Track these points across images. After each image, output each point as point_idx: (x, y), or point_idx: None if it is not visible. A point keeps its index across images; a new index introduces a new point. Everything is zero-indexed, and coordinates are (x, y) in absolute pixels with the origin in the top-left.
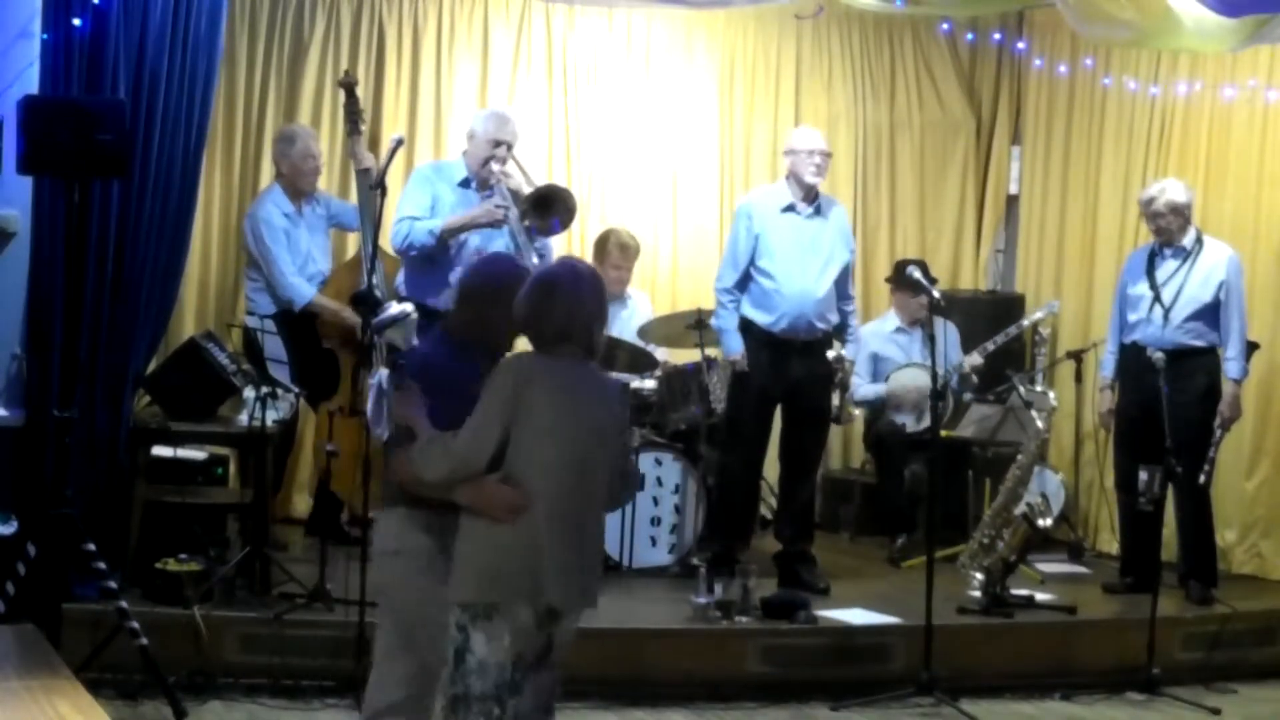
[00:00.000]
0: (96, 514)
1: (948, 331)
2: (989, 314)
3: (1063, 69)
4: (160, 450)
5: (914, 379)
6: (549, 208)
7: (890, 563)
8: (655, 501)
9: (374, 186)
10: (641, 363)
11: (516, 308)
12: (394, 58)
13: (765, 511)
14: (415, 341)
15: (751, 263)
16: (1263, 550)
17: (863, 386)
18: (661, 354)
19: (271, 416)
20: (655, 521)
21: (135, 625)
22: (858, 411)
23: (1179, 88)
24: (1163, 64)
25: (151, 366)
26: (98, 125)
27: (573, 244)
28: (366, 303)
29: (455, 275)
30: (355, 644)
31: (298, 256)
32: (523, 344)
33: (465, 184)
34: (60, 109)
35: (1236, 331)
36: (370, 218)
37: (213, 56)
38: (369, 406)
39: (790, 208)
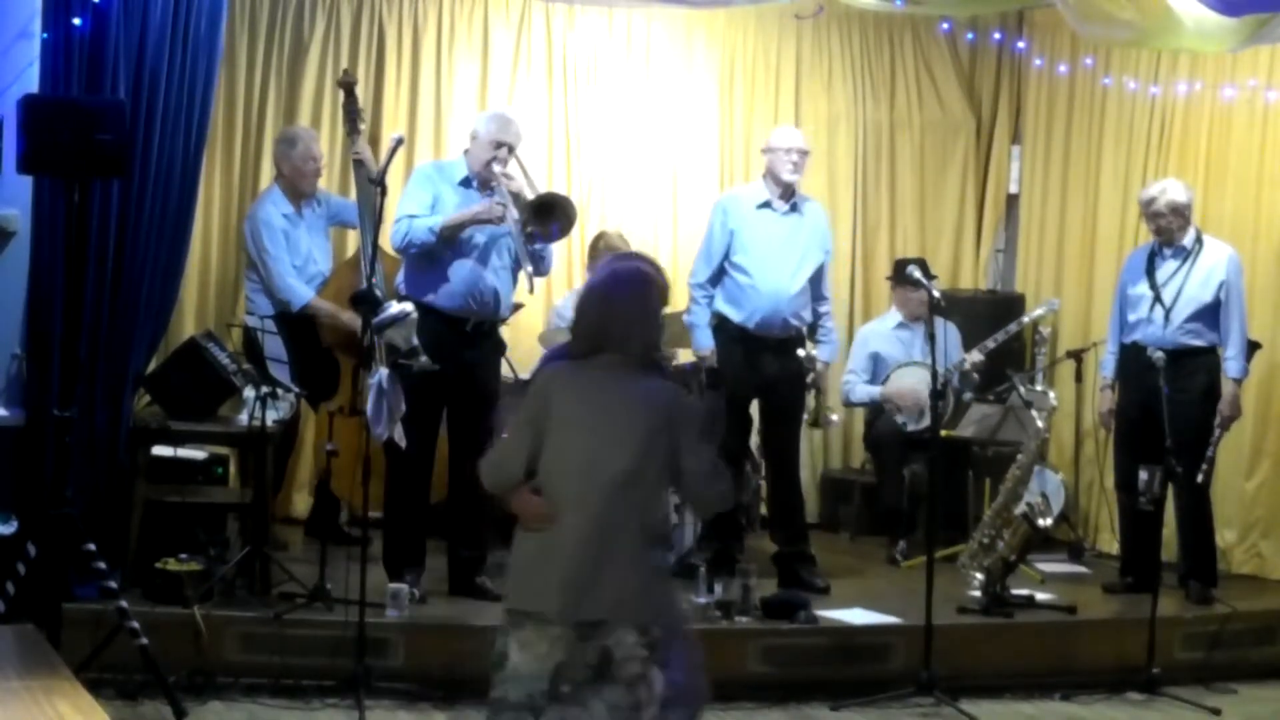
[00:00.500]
0: (96, 514)
1: (948, 332)
2: (989, 314)
3: (1063, 68)
4: (160, 450)
5: (913, 384)
6: (549, 215)
7: (890, 563)
8: None
9: (374, 182)
10: None
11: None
12: (394, 58)
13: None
14: (415, 341)
15: (726, 258)
16: (1262, 550)
17: (860, 387)
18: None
19: (271, 416)
20: None
21: (135, 625)
22: (835, 416)
23: (1179, 88)
24: (1163, 64)
25: (151, 366)
26: (98, 125)
27: (573, 244)
28: (366, 302)
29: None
30: (355, 644)
31: (298, 257)
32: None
33: (467, 183)
34: (60, 109)
35: (1236, 331)
36: (369, 212)
37: (213, 56)
38: (369, 406)
39: (766, 204)
